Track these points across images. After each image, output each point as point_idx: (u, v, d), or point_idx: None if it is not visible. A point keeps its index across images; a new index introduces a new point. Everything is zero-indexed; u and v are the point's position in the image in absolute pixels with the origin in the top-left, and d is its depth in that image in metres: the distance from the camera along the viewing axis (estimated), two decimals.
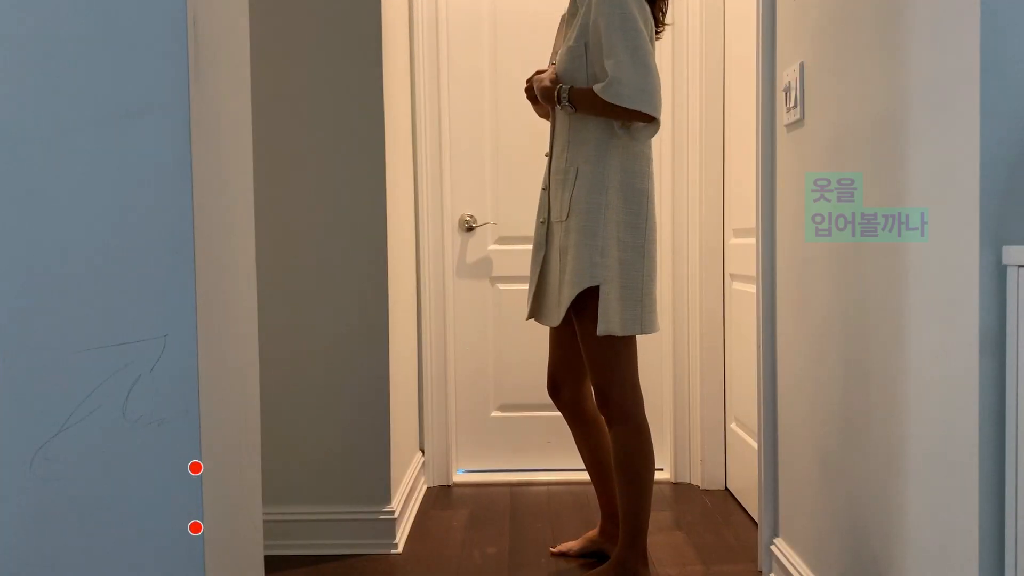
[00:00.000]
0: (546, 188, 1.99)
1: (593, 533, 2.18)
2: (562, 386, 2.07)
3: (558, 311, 1.91)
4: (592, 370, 1.91)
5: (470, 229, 2.90)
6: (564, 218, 1.88)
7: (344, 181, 2.20)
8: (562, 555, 2.18)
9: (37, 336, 1.01)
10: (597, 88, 1.80)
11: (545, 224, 1.98)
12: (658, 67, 1.85)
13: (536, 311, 2.02)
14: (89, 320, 1.01)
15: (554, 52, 2.03)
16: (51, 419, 1.01)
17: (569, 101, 1.87)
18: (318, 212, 2.21)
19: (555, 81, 1.92)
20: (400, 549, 2.25)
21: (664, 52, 2.82)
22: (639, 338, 2.87)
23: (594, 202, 1.84)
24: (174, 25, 1.01)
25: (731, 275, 2.66)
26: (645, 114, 1.80)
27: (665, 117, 2.80)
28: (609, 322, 1.83)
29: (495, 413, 2.97)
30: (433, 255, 2.85)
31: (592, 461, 2.11)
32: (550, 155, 2.00)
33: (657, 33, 1.93)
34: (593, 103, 1.83)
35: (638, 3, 1.81)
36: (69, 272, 1.01)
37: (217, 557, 1.08)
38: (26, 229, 1.01)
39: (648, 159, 1.90)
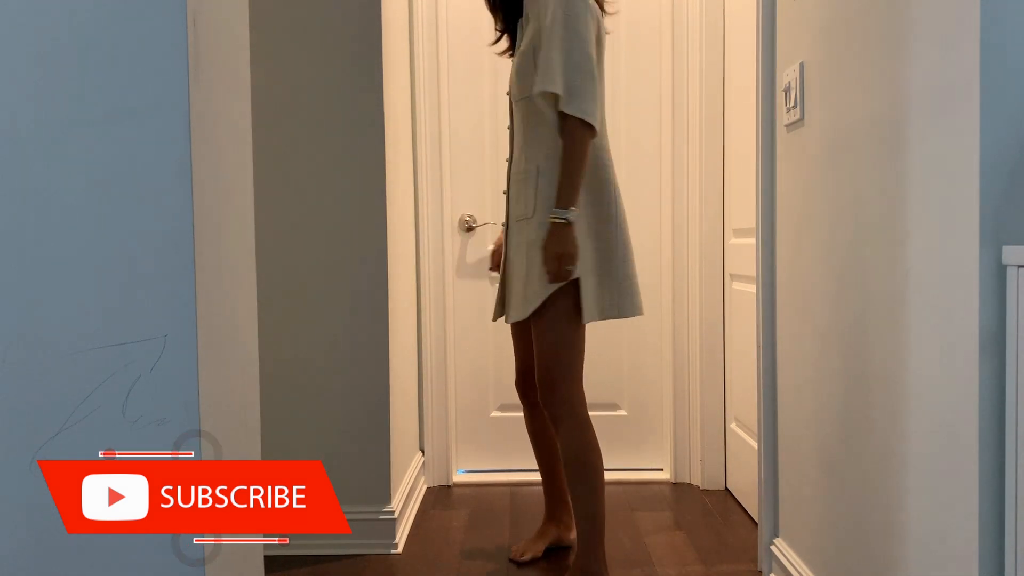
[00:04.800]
0: (506, 192, 2.02)
1: (544, 526, 2.19)
2: (530, 376, 2.08)
3: (524, 307, 1.89)
4: (541, 363, 1.91)
5: (470, 229, 2.90)
6: (530, 215, 1.89)
7: (344, 181, 2.20)
8: (530, 562, 2.15)
9: (37, 336, 1.01)
10: (535, 87, 1.85)
11: (506, 226, 2.02)
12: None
13: (501, 311, 2.04)
14: (89, 320, 1.01)
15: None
16: (51, 419, 1.01)
17: (564, 207, 1.81)
18: (318, 212, 2.21)
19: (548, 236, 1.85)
20: (400, 549, 2.25)
21: (664, 52, 2.83)
22: (641, 334, 2.89)
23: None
24: (174, 25, 1.01)
25: (731, 275, 2.66)
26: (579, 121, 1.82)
27: (665, 117, 2.83)
28: (591, 311, 1.86)
29: (495, 413, 2.97)
30: (433, 255, 2.85)
31: (545, 452, 2.13)
32: (510, 159, 2.03)
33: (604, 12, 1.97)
34: (568, 178, 1.80)
35: (586, 7, 1.84)
36: (69, 272, 1.01)
37: (217, 557, 1.07)
38: (26, 229, 1.01)
39: (605, 148, 1.93)
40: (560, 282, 1.83)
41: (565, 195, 1.82)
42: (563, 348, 1.88)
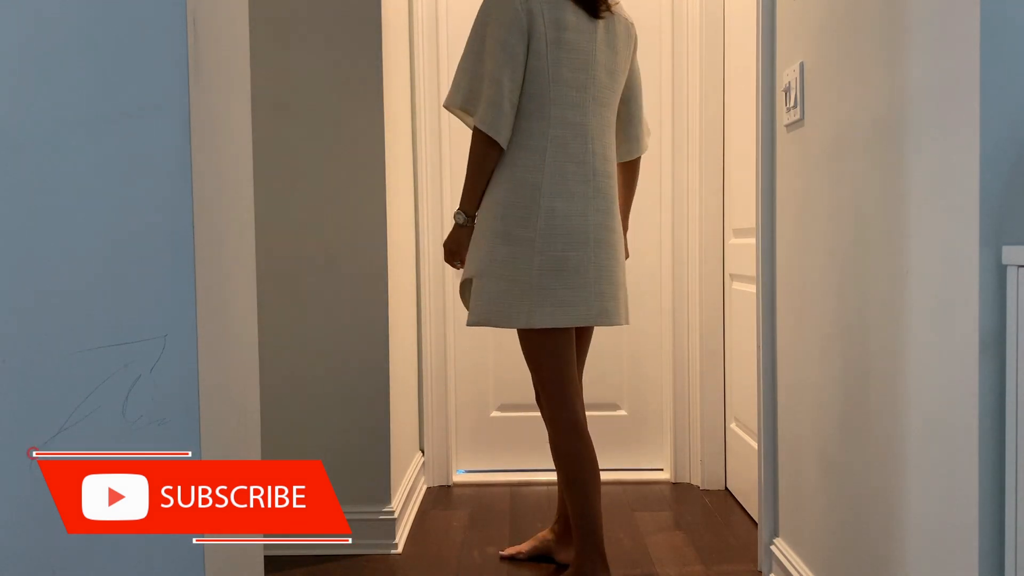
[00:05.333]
0: None
1: (544, 533, 2.18)
2: None
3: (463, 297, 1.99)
4: (529, 370, 1.94)
5: None
6: None
7: (344, 181, 2.20)
8: (511, 559, 2.17)
9: (37, 336, 1.01)
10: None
11: None
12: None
13: None
14: (89, 320, 1.01)
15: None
16: (51, 419, 1.01)
17: (464, 211, 1.89)
18: (318, 212, 2.21)
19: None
20: (400, 549, 2.25)
21: (664, 52, 2.83)
22: (641, 334, 2.89)
23: (485, 197, 1.88)
24: (174, 25, 1.01)
25: (731, 275, 2.66)
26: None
27: (665, 117, 2.83)
28: (479, 314, 1.86)
29: (495, 413, 2.97)
30: (433, 255, 2.85)
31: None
32: None
33: (599, 14, 1.87)
34: (466, 182, 1.87)
35: (501, 10, 1.79)
36: (69, 272, 1.01)
37: (217, 556, 1.08)
38: (26, 229, 1.01)
39: (540, 150, 1.83)
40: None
41: (462, 197, 1.89)
42: (531, 358, 1.90)
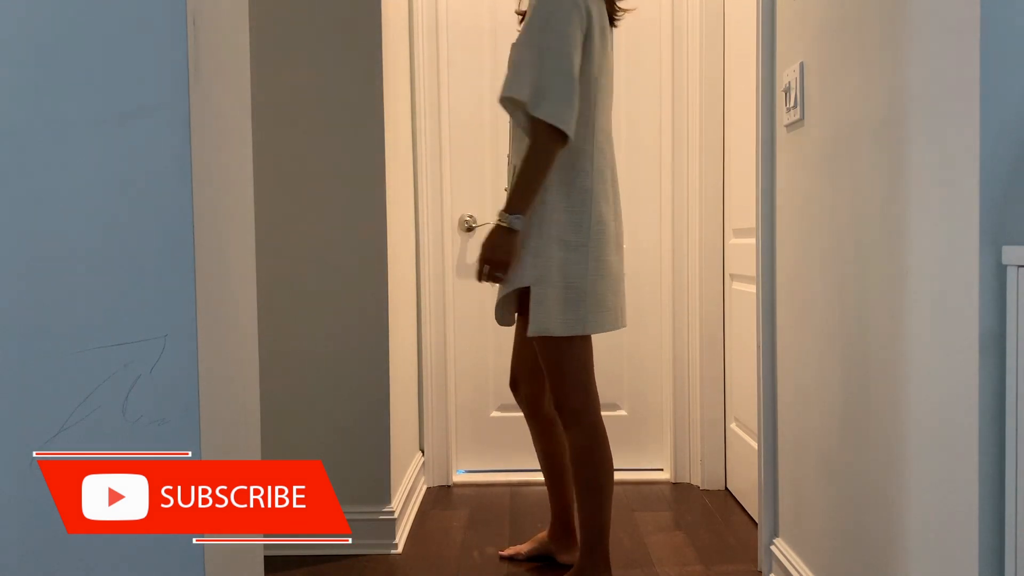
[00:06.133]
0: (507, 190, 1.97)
1: (543, 534, 2.17)
2: (521, 382, 2.05)
3: (500, 310, 1.89)
4: (546, 371, 1.88)
5: (470, 229, 2.90)
6: None
7: (344, 181, 2.20)
8: (511, 559, 2.16)
9: (37, 336, 1.01)
10: (501, 92, 1.78)
11: None
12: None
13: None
14: (89, 320, 1.01)
15: None
16: (51, 419, 1.01)
17: (511, 211, 1.75)
18: (318, 212, 2.21)
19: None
20: (400, 549, 2.25)
21: (664, 52, 2.83)
22: (641, 334, 2.89)
23: (537, 201, 1.79)
24: (174, 25, 1.01)
25: (731, 275, 2.66)
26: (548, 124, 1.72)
27: (665, 117, 2.83)
28: (542, 323, 1.79)
29: (495, 413, 2.97)
30: (433, 255, 2.85)
31: (546, 461, 2.08)
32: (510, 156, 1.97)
33: (614, 22, 1.91)
34: (523, 183, 1.74)
35: (567, 6, 1.73)
36: (69, 272, 1.01)
37: (217, 556, 1.08)
38: (26, 229, 1.01)
39: (589, 155, 1.81)
40: (483, 282, 1.84)
41: (516, 200, 1.75)
42: (559, 364, 1.84)
